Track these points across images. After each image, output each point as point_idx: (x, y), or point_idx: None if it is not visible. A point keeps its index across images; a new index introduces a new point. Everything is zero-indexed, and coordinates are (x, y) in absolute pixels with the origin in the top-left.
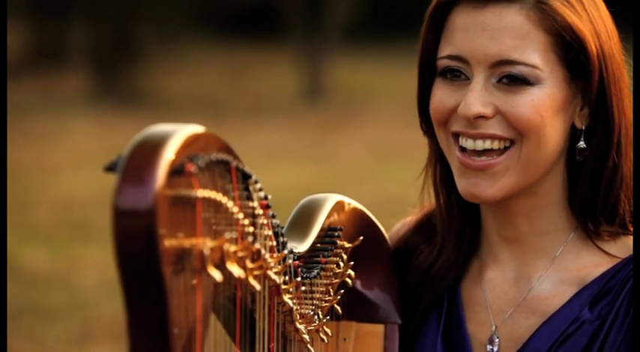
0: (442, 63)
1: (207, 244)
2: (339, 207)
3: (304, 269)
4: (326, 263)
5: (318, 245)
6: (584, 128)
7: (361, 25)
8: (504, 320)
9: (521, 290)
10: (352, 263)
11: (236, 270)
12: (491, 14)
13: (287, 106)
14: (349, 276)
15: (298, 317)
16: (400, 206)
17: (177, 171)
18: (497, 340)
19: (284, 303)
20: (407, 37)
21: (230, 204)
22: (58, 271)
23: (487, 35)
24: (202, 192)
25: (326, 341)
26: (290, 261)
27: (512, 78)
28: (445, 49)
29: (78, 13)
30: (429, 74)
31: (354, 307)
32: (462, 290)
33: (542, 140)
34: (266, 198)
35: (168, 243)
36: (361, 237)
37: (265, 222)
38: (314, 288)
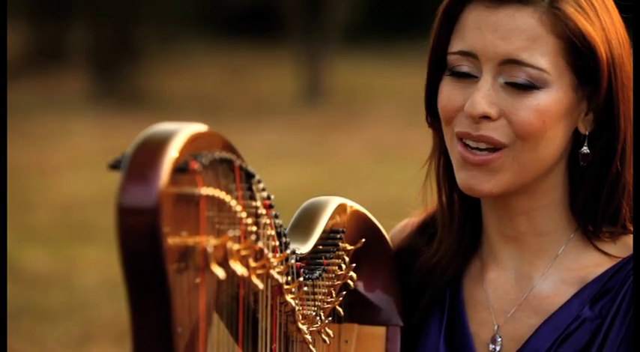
0: (452, 58)
1: (210, 242)
2: (341, 209)
3: (306, 271)
4: (328, 264)
5: (321, 247)
6: (587, 134)
7: (361, 26)
8: (506, 320)
9: (523, 289)
10: (354, 265)
11: (239, 269)
12: (504, 15)
13: (287, 107)
14: (351, 278)
15: (300, 317)
16: (400, 207)
17: (181, 169)
18: (499, 339)
19: (286, 303)
20: (407, 38)
21: (233, 202)
22: (58, 272)
23: (498, 34)
24: (206, 190)
25: (328, 342)
26: (292, 261)
27: (518, 85)
28: (456, 45)
29: (78, 14)
30: (438, 70)
31: (355, 309)
32: (463, 289)
33: (540, 143)
34: (269, 198)
35: (172, 240)
36: (363, 240)
37: (268, 221)
38: (316, 290)
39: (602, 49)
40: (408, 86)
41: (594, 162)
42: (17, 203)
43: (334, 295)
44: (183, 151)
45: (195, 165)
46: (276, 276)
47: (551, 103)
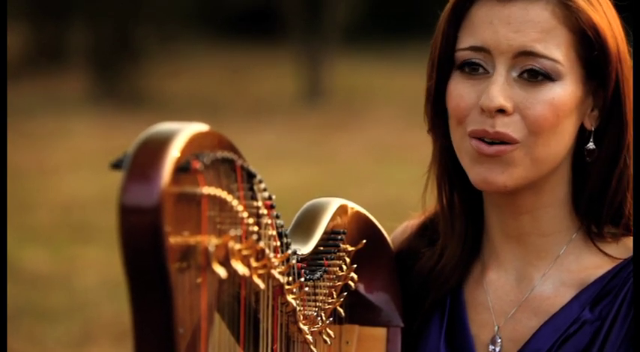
0: (462, 55)
1: (212, 241)
2: (342, 210)
3: (307, 271)
4: (329, 265)
5: (322, 248)
6: (593, 129)
7: (361, 27)
8: (507, 321)
9: (523, 290)
10: (355, 266)
11: (240, 268)
12: (516, 8)
13: (287, 107)
14: (352, 279)
15: (302, 317)
16: (400, 207)
17: (182, 169)
18: (499, 340)
19: (288, 304)
20: (407, 38)
21: (235, 202)
22: (58, 272)
23: (512, 28)
24: (208, 190)
25: (329, 342)
26: (294, 262)
27: (534, 73)
28: (466, 41)
29: (78, 14)
30: (445, 68)
31: (356, 310)
32: (464, 291)
33: (552, 138)
34: (270, 198)
35: (174, 240)
36: (364, 241)
37: (269, 222)
38: (317, 290)
39: (611, 43)
40: (408, 86)
41: (601, 157)
42: (17, 203)
43: (335, 296)
44: (184, 151)
45: (197, 165)
46: (278, 276)
47: (565, 96)
